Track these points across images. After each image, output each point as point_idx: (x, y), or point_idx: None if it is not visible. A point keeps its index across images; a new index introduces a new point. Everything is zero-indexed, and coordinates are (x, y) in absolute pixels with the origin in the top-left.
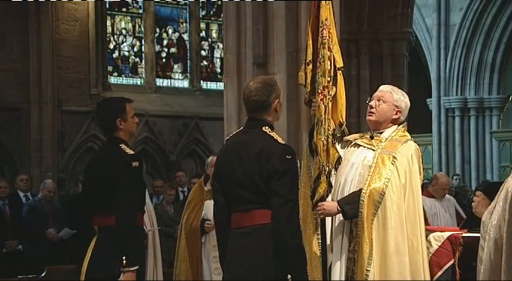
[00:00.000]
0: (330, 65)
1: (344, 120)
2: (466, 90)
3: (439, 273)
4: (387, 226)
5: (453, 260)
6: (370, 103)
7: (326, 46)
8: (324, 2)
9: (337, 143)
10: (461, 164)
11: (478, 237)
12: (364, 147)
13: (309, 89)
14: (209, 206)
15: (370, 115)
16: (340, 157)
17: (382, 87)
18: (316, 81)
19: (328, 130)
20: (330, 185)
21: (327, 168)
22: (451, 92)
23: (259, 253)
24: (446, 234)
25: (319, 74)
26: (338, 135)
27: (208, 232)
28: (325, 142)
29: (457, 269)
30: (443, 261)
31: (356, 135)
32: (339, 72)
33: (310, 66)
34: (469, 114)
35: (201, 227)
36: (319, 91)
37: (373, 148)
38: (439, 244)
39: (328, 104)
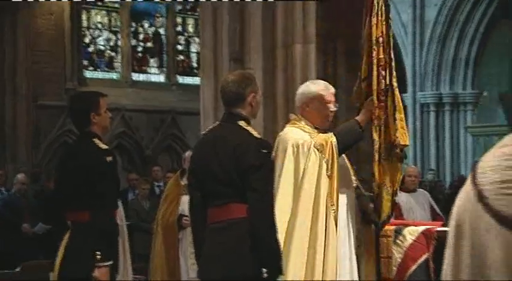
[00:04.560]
0: (385, 85)
1: (396, 140)
2: (441, 85)
3: (413, 267)
4: None
5: (427, 254)
6: (335, 108)
7: (375, 66)
8: (374, 19)
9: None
10: (436, 159)
11: None
12: None
13: (358, 104)
14: (186, 201)
15: (331, 118)
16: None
17: (332, 89)
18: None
19: (389, 151)
20: (394, 204)
21: (390, 189)
22: (426, 88)
23: (236, 248)
24: (421, 228)
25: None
26: (396, 151)
27: (185, 228)
28: (380, 162)
29: (431, 262)
30: (418, 255)
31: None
32: (391, 91)
33: (365, 83)
34: (444, 110)
35: (178, 223)
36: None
37: None
38: (414, 238)
39: (379, 126)
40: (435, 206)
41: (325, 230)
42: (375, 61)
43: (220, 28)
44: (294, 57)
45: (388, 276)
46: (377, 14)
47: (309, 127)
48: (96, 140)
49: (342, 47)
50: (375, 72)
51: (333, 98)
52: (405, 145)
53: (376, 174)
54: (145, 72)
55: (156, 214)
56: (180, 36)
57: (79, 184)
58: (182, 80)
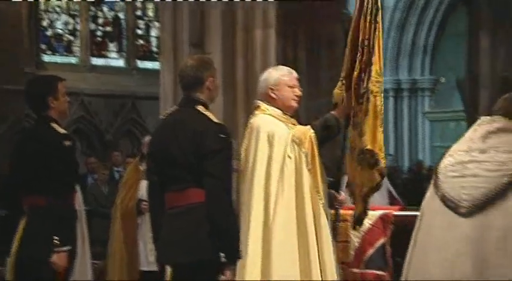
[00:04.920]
0: (365, 88)
1: (363, 145)
2: (399, 71)
3: (371, 250)
4: None
5: (384, 238)
6: (300, 92)
7: (357, 68)
8: (362, 20)
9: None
10: (394, 144)
11: (409, 215)
12: None
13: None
14: (145, 186)
15: (297, 103)
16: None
17: (295, 73)
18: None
19: (360, 154)
20: (366, 207)
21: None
22: (385, 73)
23: (194, 232)
24: (379, 213)
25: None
26: (365, 156)
27: (144, 213)
28: (352, 163)
29: (387, 246)
30: (375, 239)
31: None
32: (367, 96)
33: (345, 82)
34: (403, 95)
35: (137, 208)
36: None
37: None
38: (371, 223)
39: (356, 127)
40: (393, 191)
41: (316, 225)
42: (357, 63)
43: (180, 12)
44: (254, 42)
45: (346, 260)
46: (365, 15)
47: (279, 114)
48: (54, 125)
49: (303, 31)
50: (355, 74)
51: (296, 83)
52: (370, 150)
53: (349, 173)
54: (104, 56)
55: (115, 199)
56: (139, 21)
57: (37, 168)
58: (142, 64)
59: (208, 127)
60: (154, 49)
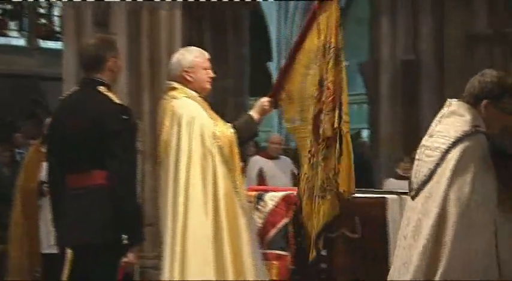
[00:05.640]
0: (336, 129)
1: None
2: None
3: (273, 231)
4: None
5: (286, 219)
6: (212, 74)
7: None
8: (321, 56)
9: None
10: None
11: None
12: None
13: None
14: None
15: (210, 84)
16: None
17: (207, 54)
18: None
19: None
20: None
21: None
22: None
23: (95, 214)
24: (281, 194)
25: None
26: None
27: (46, 195)
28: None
29: (290, 227)
30: (278, 220)
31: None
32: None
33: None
34: None
35: (38, 190)
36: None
37: None
38: (274, 204)
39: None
40: (296, 172)
41: (234, 226)
42: (314, 103)
43: None
44: (159, 22)
45: None
46: (324, 53)
47: (195, 96)
48: None
49: (208, 12)
50: (314, 113)
51: (209, 64)
52: (350, 193)
53: (305, 210)
54: (4, 35)
55: (16, 181)
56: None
57: None
58: (44, 44)
59: (109, 108)
60: (58, 29)
